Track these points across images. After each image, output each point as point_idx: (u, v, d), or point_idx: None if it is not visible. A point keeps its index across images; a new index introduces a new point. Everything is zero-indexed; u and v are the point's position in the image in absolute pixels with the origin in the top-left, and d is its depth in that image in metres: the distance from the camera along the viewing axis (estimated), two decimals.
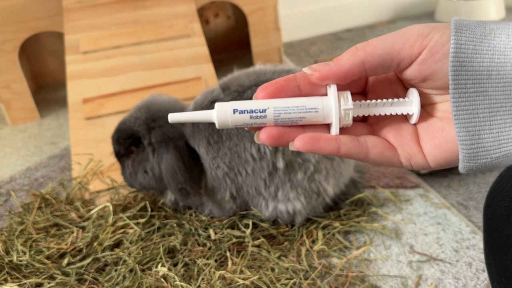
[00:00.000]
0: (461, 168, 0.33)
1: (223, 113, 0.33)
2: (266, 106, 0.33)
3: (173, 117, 0.34)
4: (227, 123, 0.34)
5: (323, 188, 0.81)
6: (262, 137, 0.34)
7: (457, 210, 0.88)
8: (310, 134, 0.33)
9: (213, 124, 0.78)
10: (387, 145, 0.35)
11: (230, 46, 1.92)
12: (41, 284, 0.74)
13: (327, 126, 0.35)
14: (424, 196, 0.92)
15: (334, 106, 0.33)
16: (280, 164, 0.77)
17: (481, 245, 0.78)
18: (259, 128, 0.34)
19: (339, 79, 0.33)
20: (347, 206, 0.88)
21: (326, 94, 0.35)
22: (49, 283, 0.74)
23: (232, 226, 0.85)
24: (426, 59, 0.32)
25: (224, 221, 0.86)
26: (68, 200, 0.96)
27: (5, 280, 0.74)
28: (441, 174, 1.00)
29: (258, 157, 0.77)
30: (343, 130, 0.35)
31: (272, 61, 1.64)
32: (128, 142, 0.82)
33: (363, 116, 0.36)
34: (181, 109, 0.84)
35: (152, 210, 0.89)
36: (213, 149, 0.79)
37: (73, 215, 0.90)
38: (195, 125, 0.80)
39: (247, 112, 0.33)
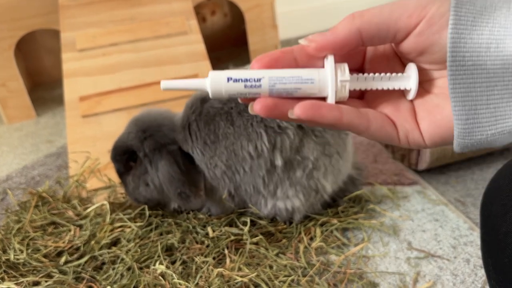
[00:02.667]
0: (456, 145, 0.32)
1: (216, 81, 0.32)
2: (261, 75, 0.32)
3: (165, 84, 0.33)
4: (220, 92, 0.33)
5: (322, 186, 0.81)
6: (257, 107, 0.33)
7: (455, 206, 0.88)
8: (311, 101, 0.32)
9: (209, 124, 0.79)
10: (387, 119, 0.34)
11: (227, 43, 1.91)
12: (38, 283, 0.74)
13: (323, 101, 0.34)
14: (421, 193, 0.92)
15: (330, 77, 0.32)
16: (279, 161, 0.77)
17: (478, 241, 0.79)
18: (254, 99, 0.33)
19: (336, 49, 0.32)
20: (345, 203, 0.88)
21: (323, 67, 0.34)
22: (46, 281, 0.73)
23: (230, 224, 0.85)
24: (424, 31, 0.31)
25: (222, 219, 0.85)
26: (65, 198, 0.95)
27: (2, 279, 0.74)
28: (439, 171, 1.00)
29: (256, 155, 0.77)
30: (338, 104, 0.34)
31: None
32: (125, 158, 0.84)
33: (360, 91, 0.35)
34: (171, 117, 0.84)
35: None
36: (210, 149, 0.79)
37: (70, 213, 0.90)
38: (186, 130, 0.80)
39: (242, 81, 0.32)
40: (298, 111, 0.31)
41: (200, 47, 1.24)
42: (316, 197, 0.83)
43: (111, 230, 0.84)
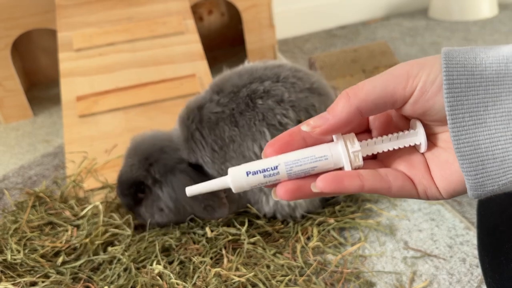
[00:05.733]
0: (471, 195, 0.33)
1: (237, 178, 0.34)
2: (277, 162, 0.34)
3: (190, 190, 0.35)
4: (242, 186, 0.34)
5: None
6: (280, 193, 0.34)
7: (451, 206, 0.89)
8: (332, 173, 0.33)
9: (214, 130, 0.78)
10: (406, 177, 0.35)
11: (224, 43, 1.91)
12: (35, 283, 0.74)
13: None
14: None
15: (343, 151, 0.34)
16: None
17: (474, 241, 0.79)
18: (275, 185, 0.34)
19: (340, 129, 0.34)
20: (342, 202, 0.89)
21: (332, 140, 0.35)
22: (43, 281, 0.73)
23: (228, 224, 0.85)
24: (418, 99, 0.32)
25: (220, 219, 0.85)
26: (62, 198, 0.95)
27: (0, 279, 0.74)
28: None
29: (261, 154, 0.77)
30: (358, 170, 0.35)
31: (266, 58, 1.63)
32: (132, 191, 0.81)
33: (372, 154, 0.36)
34: (169, 136, 0.82)
35: None
36: (219, 155, 0.78)
37: (67, 213, 0.90)
38: (190, 141, 0.79)
39: (260, 172, 0.34)
40: (320, 184, 0.32)
41: (197, 46, 1.24)
42: None
43: (104, 233, 0.84)
